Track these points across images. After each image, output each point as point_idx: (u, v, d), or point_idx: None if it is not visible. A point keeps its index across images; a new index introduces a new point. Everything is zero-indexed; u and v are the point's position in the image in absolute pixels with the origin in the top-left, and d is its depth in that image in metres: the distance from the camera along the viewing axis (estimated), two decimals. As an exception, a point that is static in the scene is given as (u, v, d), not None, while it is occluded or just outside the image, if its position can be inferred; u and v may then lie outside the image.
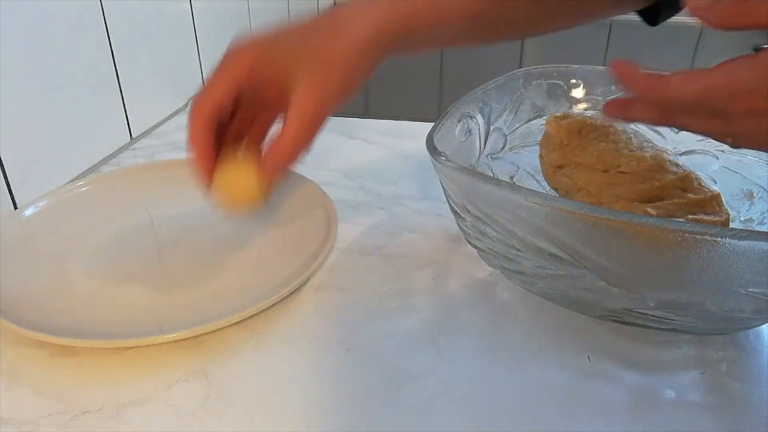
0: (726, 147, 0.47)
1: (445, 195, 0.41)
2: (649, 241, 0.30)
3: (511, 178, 0.50)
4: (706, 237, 0.28)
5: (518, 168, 0.51)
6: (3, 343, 0.38)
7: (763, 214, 0.44)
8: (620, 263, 0.32)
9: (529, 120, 0.52)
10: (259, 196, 0.41)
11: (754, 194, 0.45)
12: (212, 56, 0.83)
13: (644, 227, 0.29)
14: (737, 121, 0.29)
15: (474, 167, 0.47)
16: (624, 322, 0.38)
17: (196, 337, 0.38)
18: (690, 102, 0.29)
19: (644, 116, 0.33)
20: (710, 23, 0.28)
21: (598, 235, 0.31)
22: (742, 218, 0.45)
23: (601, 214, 0.30)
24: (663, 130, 0.50)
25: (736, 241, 0.28)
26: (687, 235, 0.28)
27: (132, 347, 0.38)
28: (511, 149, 0.51)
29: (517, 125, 0.52)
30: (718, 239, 0.28)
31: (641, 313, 0.35)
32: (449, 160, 0.36)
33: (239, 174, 0.41)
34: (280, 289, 0.40)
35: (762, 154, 0.46)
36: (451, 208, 0.40)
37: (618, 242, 0.31)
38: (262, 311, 0.39)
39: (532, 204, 0.32)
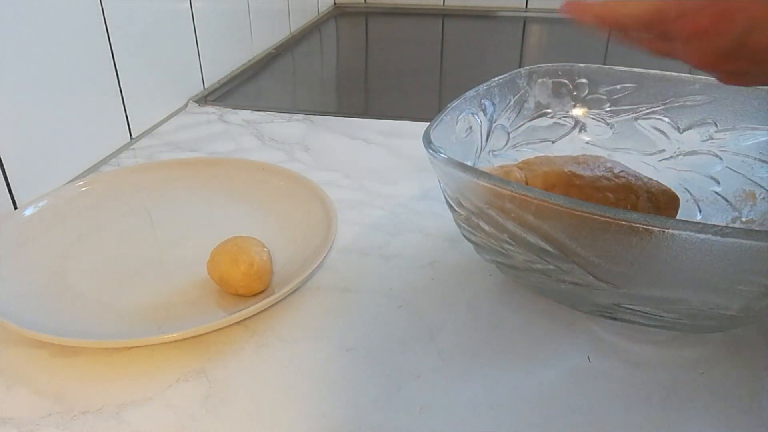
0: (729, 147, 0.47)
1: (441, 189, 0.41)
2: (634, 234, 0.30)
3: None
4: (690, 234, 0.28)
5: (521, 165, 0.51)
6: (3, 343, 0.38)
7: (764, 215, 0.44)
8: (605, 258, 0.32)
9: (533, 118, 0.52)
10: (247, 290, 0.41)
11: (756, 195, 0.45)
12: (212, 56, 0.83)
13: (630, 223, 0.29)
14: (683, 41, 0.29)
15: (475, 163, 0.47)
16: (615, 318, 0.38)
17: (196, 337, 0.38)
18: (644, 22, 0.30)
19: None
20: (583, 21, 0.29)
21: (584, 229, 0.31)
22: (743, 219, 0.45)
23: (587, 209, 0.30)
24: (667, 129, 0.50)
25: (719, 238, 0.28)
26: (667, 231, 0.28)
27: (132, 347, 0.38)
28: (513, 146, 0.51)
29: (521, 123, 0.52)
30: (701, 236, 0.28)
31: (629, 308, 0.35)
32: (443, 154, 0.36)
33: (232, 269, 0.40)
34: (280, 288, 0.40)
35: (765, 156, 0.46)
36: (447, 202, 0.40)
37: (603, 237, 0.31)
38: (262, 311, 0.39)
39: (521, 198, 0.32)
